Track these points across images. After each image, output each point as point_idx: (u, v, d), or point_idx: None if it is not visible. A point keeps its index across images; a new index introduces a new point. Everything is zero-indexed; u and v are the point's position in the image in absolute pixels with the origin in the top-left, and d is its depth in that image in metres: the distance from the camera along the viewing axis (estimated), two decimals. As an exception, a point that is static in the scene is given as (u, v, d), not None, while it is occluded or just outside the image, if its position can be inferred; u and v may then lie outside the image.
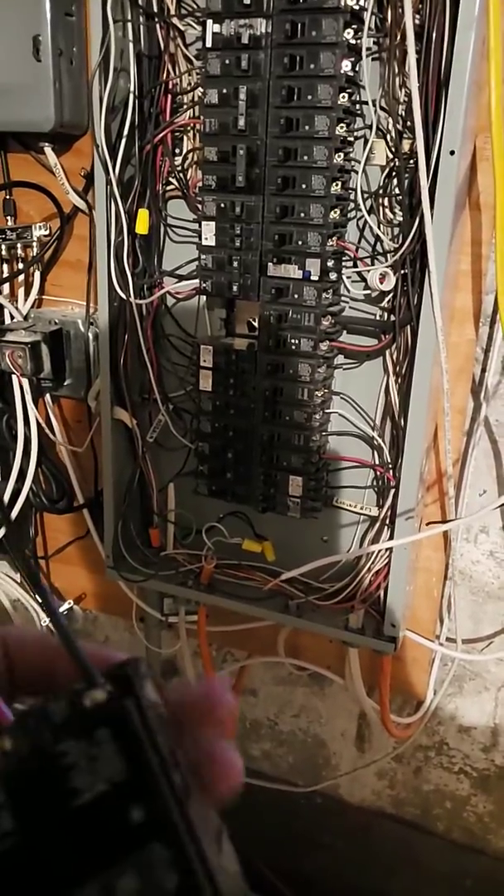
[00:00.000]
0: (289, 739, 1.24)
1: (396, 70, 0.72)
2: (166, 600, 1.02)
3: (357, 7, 0.68)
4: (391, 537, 0.83)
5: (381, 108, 0.74)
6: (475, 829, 1.15)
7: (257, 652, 1.08)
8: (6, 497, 1.04)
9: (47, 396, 1.04)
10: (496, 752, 1.09)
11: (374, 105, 0.73)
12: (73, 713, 0.24)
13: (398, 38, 0.69)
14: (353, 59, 0.69)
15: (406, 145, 0.73)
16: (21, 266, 1.00)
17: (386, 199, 0.78)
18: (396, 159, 0.73)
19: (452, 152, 0.66)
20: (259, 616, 0.89)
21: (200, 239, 0.80)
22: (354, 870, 1.24)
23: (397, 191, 0.76)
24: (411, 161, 0.71)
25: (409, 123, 0.70)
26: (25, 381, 0.99)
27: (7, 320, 1.02)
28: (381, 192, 0.77)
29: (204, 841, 0.23)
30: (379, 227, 0.77)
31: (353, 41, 0.68)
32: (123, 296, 0.85)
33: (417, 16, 0.68)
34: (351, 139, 0.75)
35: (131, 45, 0.79)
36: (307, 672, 1.08)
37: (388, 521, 0.84)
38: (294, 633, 1.02)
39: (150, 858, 0.22)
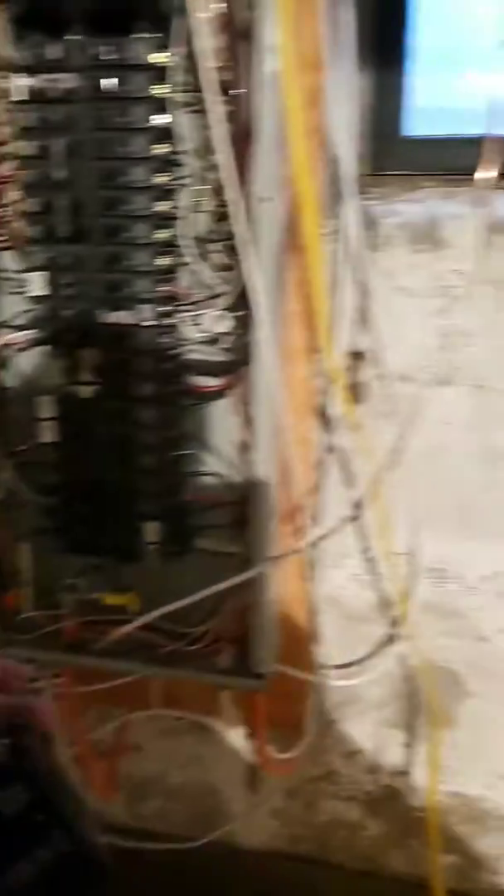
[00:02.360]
0: (180, 792, 1.20)
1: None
2: (30, 665, 0.97)
3: (163, 64, 0.70)
4: (249, 573, 0.83)
5: (200, 158, 0.76)
6: (370, 853, 1.15)
7: (134, 706, 1.04)
8: None
9: None
10: (381, 773, 1.11)
11: (193, 155, 0.75)
12: None
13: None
14: (166, 111, 0.71)
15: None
16: None
17: (217, 245, 0.80)
18: (217, 208, 0.75)
19: (266, 199, 0.69)
20: (126, 671, 0.87)
21: (32, 289, 0.79)
22: (258, 917, 1.21)
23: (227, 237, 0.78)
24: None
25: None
26: None
27: None
28: (209, 237, 0.79)
29: (85, 822, 0.47)
30: (210, 272, 0.79)
31: (162, 95, 0.70)
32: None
33: (227, 73, 0.71)
34: (174, 187, 0.77)
35: None
36: (189, 720, 1.06)
37: (246, 558, 0.85)
38: (169, 681, 1.00)
39: (53, 838, 0.45)
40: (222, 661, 0.86)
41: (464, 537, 0.97)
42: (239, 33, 0.68)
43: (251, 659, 0.86)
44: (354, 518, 0.99)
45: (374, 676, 1.02)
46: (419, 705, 1.05)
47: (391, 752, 1.09)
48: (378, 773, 1.11)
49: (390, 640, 1.03)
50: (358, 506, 0.99)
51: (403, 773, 1.10)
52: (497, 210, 0.86)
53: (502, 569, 0.97)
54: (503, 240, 0.85)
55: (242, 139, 0.70)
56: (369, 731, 1.09)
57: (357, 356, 0.93)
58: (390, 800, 1.11)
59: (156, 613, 0.81)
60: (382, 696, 1.07)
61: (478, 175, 0.76)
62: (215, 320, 0.77)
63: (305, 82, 0.76)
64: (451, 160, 0.93)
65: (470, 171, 0.93)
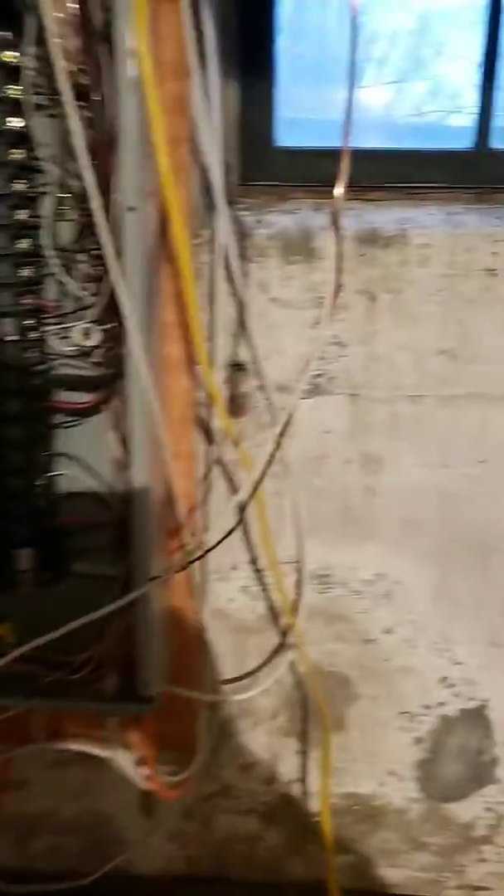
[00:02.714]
0: (72, 826, 1.15)
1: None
2: None
3: (15, 63, 0.66)
4: (131, 596, 0.80)
5: (61, 165, 0.73)
6: (270, 863, 1.15)
7: (17, 741, 0.98)
8: None
9: None
10: (277, 782, 1.10)
11: (53, 162, 0.72)
12: None
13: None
14: (19, 115, 0.67)
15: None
16: None
17: (84, 255, 0.77)
18: (82, 218, 0.72)
19: (132, 209, 0.67)
20: (4, 706, 0.81)
21: None
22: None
23: (94, 247, 0.75)
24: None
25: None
26: None
27: None
28: (74, 247, 0.75)
29: None
30: (75, 283, 0.75)
31: (17, 96, 0.66)
32: None
33: (85, 76, 0.68)
34: (34, 195, 0.73)
35: None
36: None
37: (128, 579, 0.82)
38: (52, 712, 0.95)
39: None
40: (107, 688, 0.83)
41: (346, 543, 0.99)
42: (97, 35, 0.65)
43: (138, 682, 0.83)
44: (240, 530, 0.98)
45: (266, 687, 1.01)
46: (311, 712, 1.06)
47: (286, 761, 1.09)
48: (274, 783, 1.10)
49: (280, 649, 1.04)
50: (243, 518, 0.98)
51: (299, 780, 1.10)
52: (360, 221, 0.88)
53: (384, 571, 0.99)
54: (373, 250, 0.87)
55: (105, 145, 0.68)
56: (263, 741, 1.08)
57: (236, 368, 0.92)
58: (287, 808, 1.12)
59: (33, 644, 0.76)
60: (275, 705, 1.06)
61: (337, 189, 0.77)
62: (84, 333, 0.74)
63: (169, 89, 0.74)
64: (323, 171, 0.94)
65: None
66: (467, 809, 1.09)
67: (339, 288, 0.88)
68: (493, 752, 1.06)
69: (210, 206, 0.89)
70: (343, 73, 0.80)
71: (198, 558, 0.94)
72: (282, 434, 0.92)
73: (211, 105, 0.81)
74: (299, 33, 0.97)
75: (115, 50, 0.63)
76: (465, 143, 0.95)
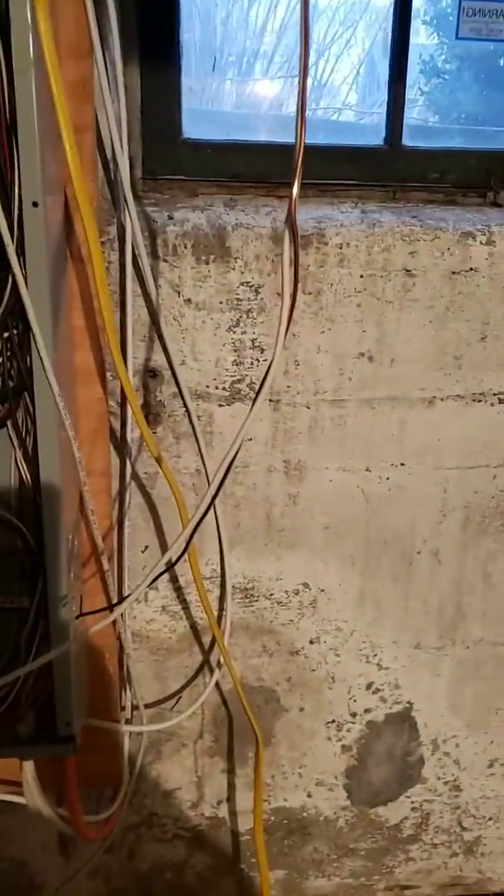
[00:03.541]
0: (-19, 874, 1.06)
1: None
2: None
3: None
4: (46, 628, 0.73)
5: None
6: (198, 888, 1.10)
7: None
8: None
9: None
10: (204, 804, 1.06)
11: None
12: None
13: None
14: None
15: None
16: None
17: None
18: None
19: (35, 204, 0.60)
20: None
21: None
22: None
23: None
24: (-6, 212, 0.62)
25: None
26: None
27: None
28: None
29: None
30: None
31: None
32: None
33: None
34: None
35: None
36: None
37: (41, 611, 0.74)
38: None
39: None
40: (24, 730, 0.75)
41: (270, 553, 0.95)
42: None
43: (57, 722, 0.76)
44: (158, 547, 0.93)
45: (190, 709, 0.96)
46: (237, 729, 1.02)
47: (212, 782, 1.05)
48: (200, 806, 1.06)
49: (203, 667, 0.99)
50: (161, 533, 0.93)
51: (226, 800, 1.06)
52: (275, 220, 0.85)
53: (308, 580, 0.97)
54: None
55: (3, 132, 0.60)
56: (188, 765, 1.03)
57: (149, 374, 0.87)
58: (214, 830, 1.07)
59: None
60: (200, 726, 1.02)
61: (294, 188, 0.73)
62: (-17, 343, 0.66)
63: (69, 72, 0.68)
64: (234, 166, 0.90)
65: (254, 178, 0.91)
66: (395, 811, 1.09)
67: (257, 289, 0.84)
68: (419, 752, 1.06)
69: (116, 201, 0.82)
70: (234, 63, 0.76)
71: (113, 587, 0.87)
72: (200, 443, 0.88)
73: (115, 91, 0.75)
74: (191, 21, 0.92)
75: (10, 25, 0.56)
76: (361, 138, 0.94)
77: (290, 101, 1.24)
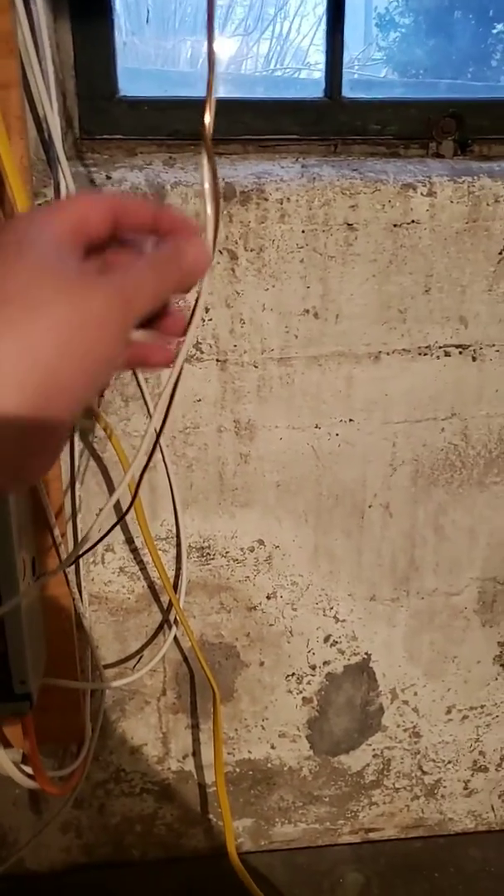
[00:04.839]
0: (-46, 834, 1.08)
1: None
2: None
3: None
4: (-4, 590, 0.74)
5: None
6: (168, 839, 1.14)
7: None
8: None
9: None
10: (170, 759, 1.09)
11: None
12: None
13: None
14: None
15: None
16: None
17: None
18: None
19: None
20: None
21: None
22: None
23: None
24: None
25: None
26: None
27: None
28: None
29: None
30: None
31: None
32: None
33: None
34: None
35: None
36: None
37: (-11, 573, 0.75)
38: None
39: None
40: (-24, 691, 0.77)
41: (224, 511, 0.96)
42: None
43: (13, 680, 0.78)
44: (113, 510, 0.93)
45: (151, 667, 0.99)
46: (199, 685, 1.04)
47: (177, 738, 1.07)
48: (166, 761, 1.09)
49: (163, 627, 1.01)
50: (116, 495, 0.94)
51: (192, 754, 1.09)
52: (224, 175, 0.84)
53: (262, 537, 0.98)
54: (230, 206, 0.84)
55: None
56: (152, 722, 1.06)
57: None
58: (181, 784, 1.10)
59: None
60: (162, 684, 1.04)
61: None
62: None
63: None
64: (172, 123, 0.89)
65: (193, 135, 0.90)
66: (357, 759, 1.12)
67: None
68: (378, 702, 1.09)
69: (51, 161, 0.81)
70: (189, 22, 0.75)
71: (68, 550, 0.88)
72: (152, 405, 0.88)
73: (42, 45, 0.74)
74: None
75: None
76: (315, 94, 0.93)
77: (244, 60, 1.22)
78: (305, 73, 1.18)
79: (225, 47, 1.15)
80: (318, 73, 0.96)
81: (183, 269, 0.34)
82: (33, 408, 0.27)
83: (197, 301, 0.43)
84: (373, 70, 1.21)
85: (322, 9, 0.90)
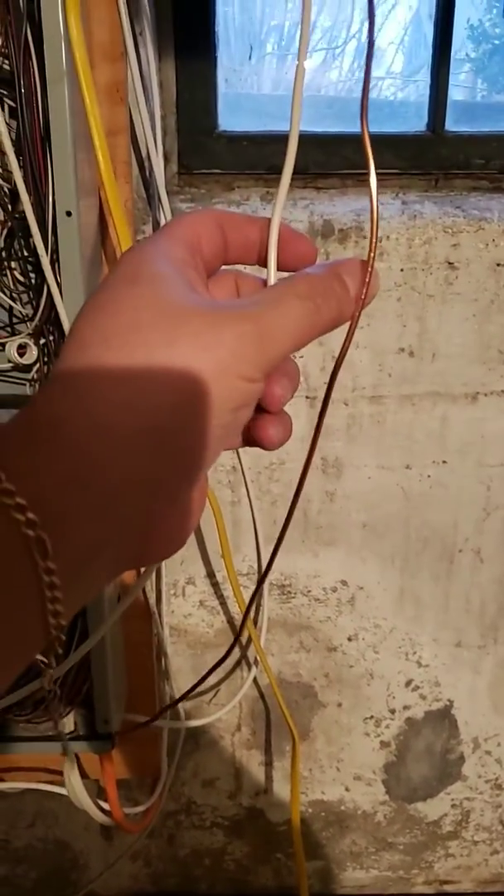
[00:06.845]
0: (27, 854, 1.09)
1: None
2: None
3: None
4: (85, 626, 0.74)
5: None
6: (236, 875, 1.12)
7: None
8: None
9: None
10: (242, 795, 1.07)
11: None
12: None
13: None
14: None
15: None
16: None
17: (14, 263, 0.69)
18: (9, 220, 0.64)
19: (69, 213, 0.59)
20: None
21: None
22: None
23: (26, 253, 0.67)
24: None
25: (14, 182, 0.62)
26: None
27: None
28: (4, 254, 0.67)
29: None
30: (6, 294, 0.68)
31: None
32: None
33: (5, 60, 0.59)
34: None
35: None
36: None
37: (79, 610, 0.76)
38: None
39: None
40: (64, 727, 0.77)
41: (307, 550, 0.95)
42: (20, 16, 0.57)
43: (97, 719, 0.78)
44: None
45: (228, 702, 0.97)
46: (274, 723, 1.03)
47: (250, 774, 1.06)
48: (238, 796, 1.07)
49: (241, 662, 1.00)
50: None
51: (264, 791, 1.07)
52: (312, 212, 0.83)
53: (346, 577, 0.96)
54: (327, 244, 0.82)
55: (37, 141, 0.60)
56: (226, 756, 1.05)
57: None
58: (253, 819, 1.09)
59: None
60: (237, 719, 1.03)
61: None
62: (19, 350, 0.66)
63: (103, 75, 0.67)
64: (270, 158, 0.88)
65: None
66: (435, 808, 1.08)
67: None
68: (458, 750, 1.05)
69: (151, 198, 0.82)
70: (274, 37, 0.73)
71: (148, 583, 0.88)
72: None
73: (151, 90, 0.74)
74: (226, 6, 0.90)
75: (43, 32, 0.55)
76: (407, 120, 0.90)
77: (325, 77, 1.19)
78: (389, 81, 1.14)
79: (306, 64, 1.12)
80: (399, 80, 0.93)
81: (346, 297, 0.28)
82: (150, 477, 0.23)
83: (345, 346, 0.30)
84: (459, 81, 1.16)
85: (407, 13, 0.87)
